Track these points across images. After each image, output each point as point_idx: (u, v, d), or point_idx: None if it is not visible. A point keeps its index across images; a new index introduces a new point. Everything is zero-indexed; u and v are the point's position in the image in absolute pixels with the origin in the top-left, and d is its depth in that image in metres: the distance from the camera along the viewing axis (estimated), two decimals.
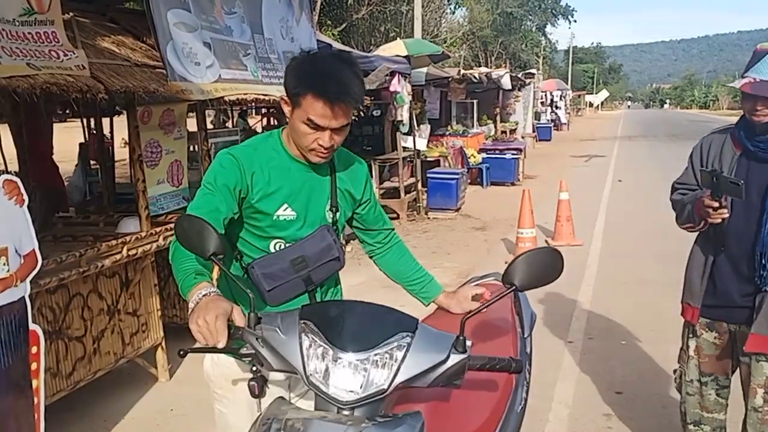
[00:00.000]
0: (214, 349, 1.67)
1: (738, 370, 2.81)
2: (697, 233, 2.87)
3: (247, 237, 2.09)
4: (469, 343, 1.63)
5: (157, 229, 4.57)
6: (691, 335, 2.92)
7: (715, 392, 2.90)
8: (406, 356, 1.55)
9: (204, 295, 1.70)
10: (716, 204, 2.57)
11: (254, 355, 1.66)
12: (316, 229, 2.11)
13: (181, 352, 1.79)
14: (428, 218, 11.05)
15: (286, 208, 2.06)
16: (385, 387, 1.52)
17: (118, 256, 4.15)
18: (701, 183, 2.73)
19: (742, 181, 2.49)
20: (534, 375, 4.17)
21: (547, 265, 1.77)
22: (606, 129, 38.39)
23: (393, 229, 2.46)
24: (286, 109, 2.01)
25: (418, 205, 11.35)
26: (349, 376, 1.53)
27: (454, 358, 1.60)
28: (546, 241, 8.92)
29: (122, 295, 4.38)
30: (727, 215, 2.60)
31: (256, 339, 1.63)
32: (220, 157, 2.07)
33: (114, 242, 4.18)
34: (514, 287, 1.72)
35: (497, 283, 2.67)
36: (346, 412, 1.53)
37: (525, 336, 2.47)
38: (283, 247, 2.09)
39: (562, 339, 5.32)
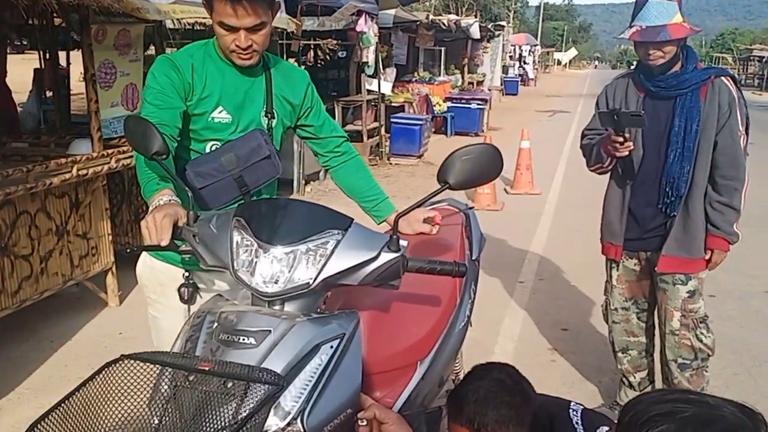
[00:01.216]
0: (158, 247, 1.69)
1: (655, 298, 3.06)
2: (608, 178, 3.09)
3: (184, 141, 2.10)
4: (404, 242, 1.62)
5: (109, 151, 4.46)
6: (614, 266, 3.14)
7: (636, 316, 3.16)
8: (334, 252, 1.53)
9: (165, 203, 1.77)
10: (621, 139, 2.77)
11: (191, 252, 1.65)
12: (249, 131, 2.14)
13: (128, 250, 1.80)
14: (390, 164, 11.03)
15: (221, 110, 2.09)
16: (310, 281, 1.51)
17: (67, 176, 4.06)
18: (603, 124, 2.90)
19: (642, 111, 2.73)
20: (482, 311, 4.26)
21: (483, 162, 1.66)
22: (572, 86, 38.51)
23: (346, 138, 2.45)
24: (210, 16, 2.04)
25: (380, 150, 11.29)
26: (274, 269, 1.52)
27: (386, 257, 1.58)
28: (505, 190, 8.99)
29: (72, 217, 4.30)
30: (632, 147, 2.80)
31: (193, 236, 1.63)
32: (160, 60, 2.10)
33: (64, 161, 4.08)
34: (447, 185, 1.65)
35: (450, 208, 2.69)
36: (277, 306, 1.52)
37: (473, 258, 2.49)
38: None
39: (514, 279, 5.41)
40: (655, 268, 2.94)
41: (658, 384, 3.26)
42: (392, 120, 11.19)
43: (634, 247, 3.05)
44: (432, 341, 2.06)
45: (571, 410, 1.71)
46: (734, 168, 2.82)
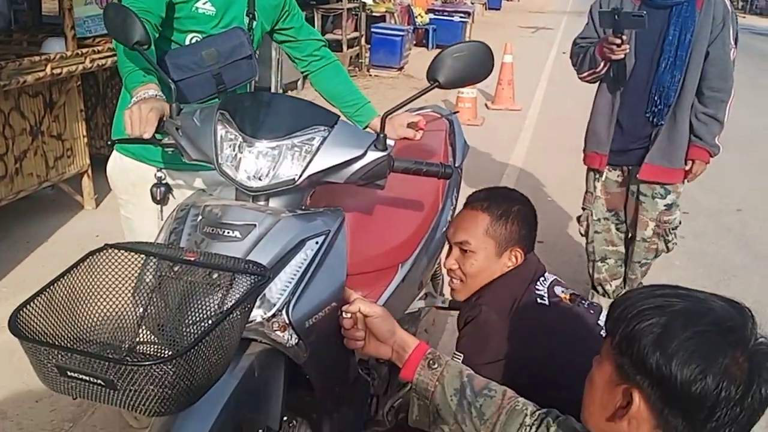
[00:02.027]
0: (139, 140, 1.66)
1: (633, 208, 3.13)
2: (597, 88, 3.10)
3: (165, 31, 2.03)
4: (390, 142, 1.60)
5: (84, 51, 4.32)
6: (597, 177, 3.18)
7: (616, 227, 3.25)
8: (321, 148, 1.51)
9: (151, 96, 1.72)
10: (618, 41, 2.75)
11: (174, 146, 1.62)
12: (230, 28, 2.08)
13: (110, 142, 1.77)
14: (370, 75, 10.85)
15: (206, 2, 2.02)
16: (296, 177, 1.50)
17: (41, 74, 3.93)
18: (602, 24, 2.91)
19: (644, 12, 2.71)
20: None
21: (474, 60, 1.63)
22: (556, 3, 37.70)
23: (324, 43, 2.40)
24: None
25: (360, 61, 11.09)
26: (259, 163, 1.50)
27: (372, 155, 1.57)
28: (486, 105, 8.93)
29: (46, 117, 4.20)
30: (628, 50, 2.80)
31: (176, 129, 1.59)
32: None
33: (37, 59, 3.95)
34: (436, 83, 1.62)
35: (434, 114, 2.66)
36: (262, 202, 1.51)
37: (456, 165, 2.49)
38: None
39: None
40: (637, 176, 3.01)
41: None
42: (373, 30, 10.94)
43: (619, 161, 3.09)
44: (414, 245, 2.08)
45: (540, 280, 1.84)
46: (723, 80, 2.87)
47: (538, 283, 1.80)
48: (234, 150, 1.53)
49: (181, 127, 1.60)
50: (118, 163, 2.19)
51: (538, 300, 1.74)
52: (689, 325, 0.97)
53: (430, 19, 14.40)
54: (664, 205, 3.03)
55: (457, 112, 2.70)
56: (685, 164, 2.97)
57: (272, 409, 1.51)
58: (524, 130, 7.66)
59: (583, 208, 3.31)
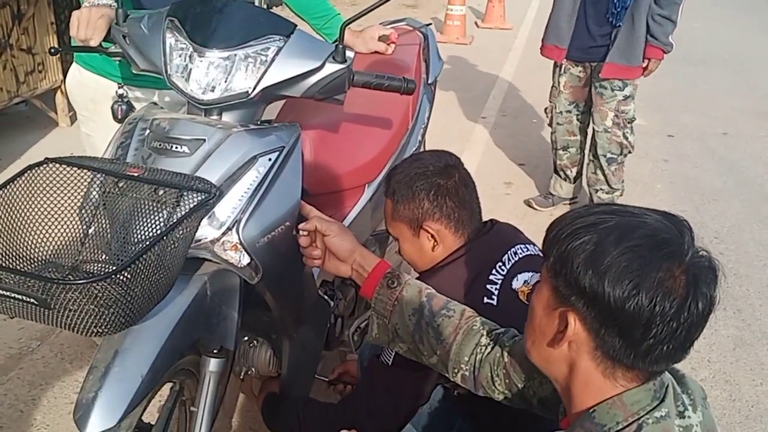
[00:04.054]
0: (85, 48, 1.58)
1: (592, 101, 3.47)
2: None
3: None
4: (350, 53, 1.52)
5: None
6: (561, 73, 3.53)
7: (577, 118, 3.61)
8: (276, 59, 1.43)
9: (104, 3, 1.60)
10: None
11: (121, 55, 1.54)
12: None
13: (52, 50, 1.68)
14: None
15: None
16: (249, 89, 1.42)
17: None
18: None
19: None
20: (442, 145, 4.21)
21: None
22: None
23: None
24: None
25: None
26: (211, 74, 1.41)
27: (331, 68, 1.48)
28: (475, 23, 8.72)
29: (14, 30, 4.04)
30: None
31: (123, 37, 1.50)
32: None
33: None
34: None
35: (408, 27, 2.56)
36: (214, 116, 1.44)
37: (429, 82, 2.41)
38: None
39: (477, 114, 5.34)
40: (599, 74, 3.32)
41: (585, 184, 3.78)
42: None
43: (581, 57, 3.40)
44: (381, 164, 2.03)
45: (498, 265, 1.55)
46: None
47: (495, 270, 1.52)
48: (184, 60, 1.45)
49: (128, 35, 1.50)
50: (77, 77, 2.09)
51: (485, 299, 1.48)
52: (621, 240, 0.92)
53: None
54: (623, 96, 3.34)
55: (430, 24, 2.58)
56: (642, 62, 3.26)
57: (227, 330, 1.48)
58: (513, 50, 7.49)
59: (550, 101, 3.68)
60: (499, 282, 1.50)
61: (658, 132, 5.19)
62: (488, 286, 1.49)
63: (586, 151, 3.68)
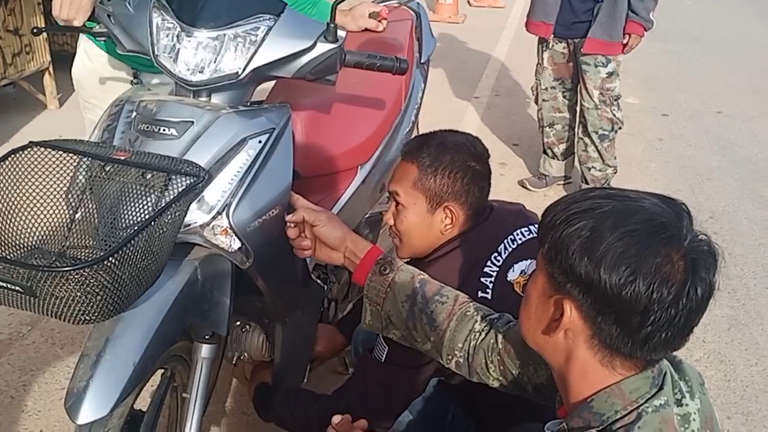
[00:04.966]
0: (68, 28, 1.55)
1: (579, 79, 3.49)
2: None
3: None
4: (342, 33, 1.48)
5: None
6: (545, 49, 3.56)
7: (562, 94, 3.63)
8: (266, 39, 1.39)
9: None
10: None
11: (107, 35, 1.50)
12: None
13: (35, 30, 1.64)
14: None
15: None
16: (239, 70, 1.38)
17: None
18: None
19: None
20: (435, 125, 4.18)
21: None
22: None
23: None
24: None
25: None
26: (200, 55, 1.37)
27: (322, 47, 1.45)
28: (468, 2, 8.65)
29: (0, 11, 3.97)
30: None
31: (108, 16, 1.46)
32: None
33: None
34: None
35: (399, 4, 2.51)
36: (203, 98, 1.41)
37: (422, 61, 2.37)
38: None
39: (469, 94, 5.31)
40: (581, 50, 3.34)
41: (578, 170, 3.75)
42: None
43: (565, 34, 3.43)
44: (374, 146, 2.00)
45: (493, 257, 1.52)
46: None
47: (490, 262, 1.50)
48: (172, 40, 1.41)
49: (113, 14, 1.46)
50: (86, 64, 2.00)
51: (479, 294, 1.45)
52: (618, 225, 0.90)
53: None
54: (606, 73, 3.36)
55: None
56: (623, 38, 3.28)
57: (219, 315, 1.46)
58: (507, 29, 7.44)
59: (536, 79, 3.70)
60: (494, 274, 1.47)
61: (652, 111, 5.17)
62: (482, 279, 1.46)
63: (576, 129, 3.67)
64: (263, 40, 1.41)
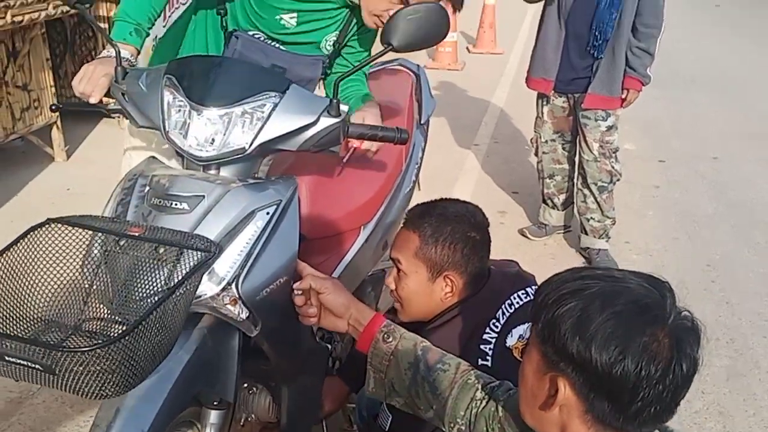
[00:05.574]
0: (84, 104, 1.61)
1: (578, 132, 3.57)
2: (540, 18, 3.52)
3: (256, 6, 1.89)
4: (344, 107, 1.55)
5: None
6: (545, 103, 3.63)
7: (562, 147, 3.71)
8: (272, 115, 1.46)
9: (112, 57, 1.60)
10: None
11: (121, 111, 1.57)
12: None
13: (53, 107, 1.71)
14: None
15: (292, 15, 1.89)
16: (246, 145, 1.45)
17: (1, 22, 3.80)
18: None
19: None
20: (437, 173, 4.28)
21: (429, 23, 1.53)
22: None
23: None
24: None
25: None
26: (209, 131, 1.45)
27: (326, 122, 1.52)
28: (467, 48, 8.81)
29: (10, 67, 4.09)
30: None
31: (122, 94, 1.54)
32: None
33: None
34: (390, 47, 1.54)
35: (400, 68, 2.60)
36: (212, 171, 1.48)
37: (422, 122, 2.45)
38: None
39: (469, 142, 5.40)
40: (581, 105, 3.41)
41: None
42: None
43: (565, 89, 3.50)
44: (376, 206, 2.06)
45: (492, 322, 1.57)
46: (654, 17, 3.23)
47: (489, 328, 1.54)
48: (182, 117, 1.48)
49: (127, 92, 1.54)
50: None
51: (480, 361, 1.49)
52: (606, 306, 0.96)
53: None
54: (606, 127, 3.43)
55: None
56: (622, 92, 3.36)
57: (227, 382, 1.50)
58: (505, 75, 7.57)
59: (535, 131, 3.76)
60: (494, 341, 1.52)
61: (649, 157, 5.25)
62: (482, 347, 1.51)
63: (575, 180, 3.74)
64: (269, 116, 1.48)
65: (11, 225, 3.66)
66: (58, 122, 4.52)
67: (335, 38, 2.02)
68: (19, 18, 3.94)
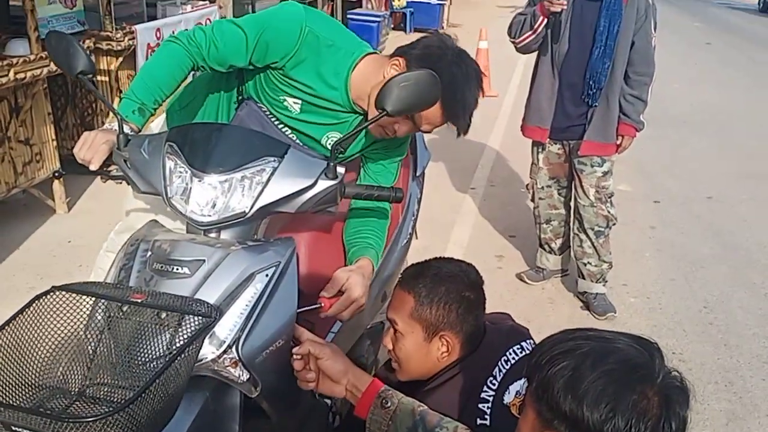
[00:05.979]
0: (86, 170, 1.66)
1: (573, 177, 3.62)
2: (535, 66, 3.56)
3: (264, 82, 1.91)
4: (341, 169, 1.60)
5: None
6: (540, 150, 3.68)
7: (558, 192, 3.75)
8: (271, 179, 1.52)
9: (114, 129, 1.65)
10: None
11: (123, 178, 1.62)
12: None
13: (56, 174, 1.76)
14: None
15: (296, 101, 1.90)
16: (246, 209, 1.50)
17: (4, 80, 3.88)
18: None
19: None
20: (433, 218, 4.32)
21: (421, 88, 1.58)
22: None
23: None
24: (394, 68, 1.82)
25: None
26: (209, 196, 1.50)
27: (323, 184, 1.57)
28: None
29: (12, 122, 4.15)
30: (565, 6, 3.19)
31: (124, 161, 1.59)
32: (294, 11, 1.85)
33: (0, 63, 3.90)
34: (385, 112, 1.58)
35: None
36: (213, 234, 1.52)
37: (417, 175, 2.50)
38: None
39: (466, 186, 5.46)
40: (577, 152, 3.48)
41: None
42: (349, 16, 10.88)
43: (560, 137, 3.56)
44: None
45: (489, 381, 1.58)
46: (646, 65, 3.33)
47: (486, 387, 1.55)
48: (183, 183, 1.53)
49: (129, 159, 1.59)
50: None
51: (478, 420, 1.50)
52: (597, 365, 1.00)
53: (408, 2, 14.28)
54: (602, 172, 3.50)
55: None
56: (617, 139, 3.43)
57: None
58: (500, 117, 7.67)
59: (531, 178, 3.81)
60: (491, 399, 1.53)
61: (644, 198, 5.31)
62: (480, 406, 1.53)
63: (571, 225, 3.79)
64: (269, 180, 1.53)
65: (14, 278, 3.69)
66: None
67: (336, 138, 1.93)
68: (22, 75, 4.03)
